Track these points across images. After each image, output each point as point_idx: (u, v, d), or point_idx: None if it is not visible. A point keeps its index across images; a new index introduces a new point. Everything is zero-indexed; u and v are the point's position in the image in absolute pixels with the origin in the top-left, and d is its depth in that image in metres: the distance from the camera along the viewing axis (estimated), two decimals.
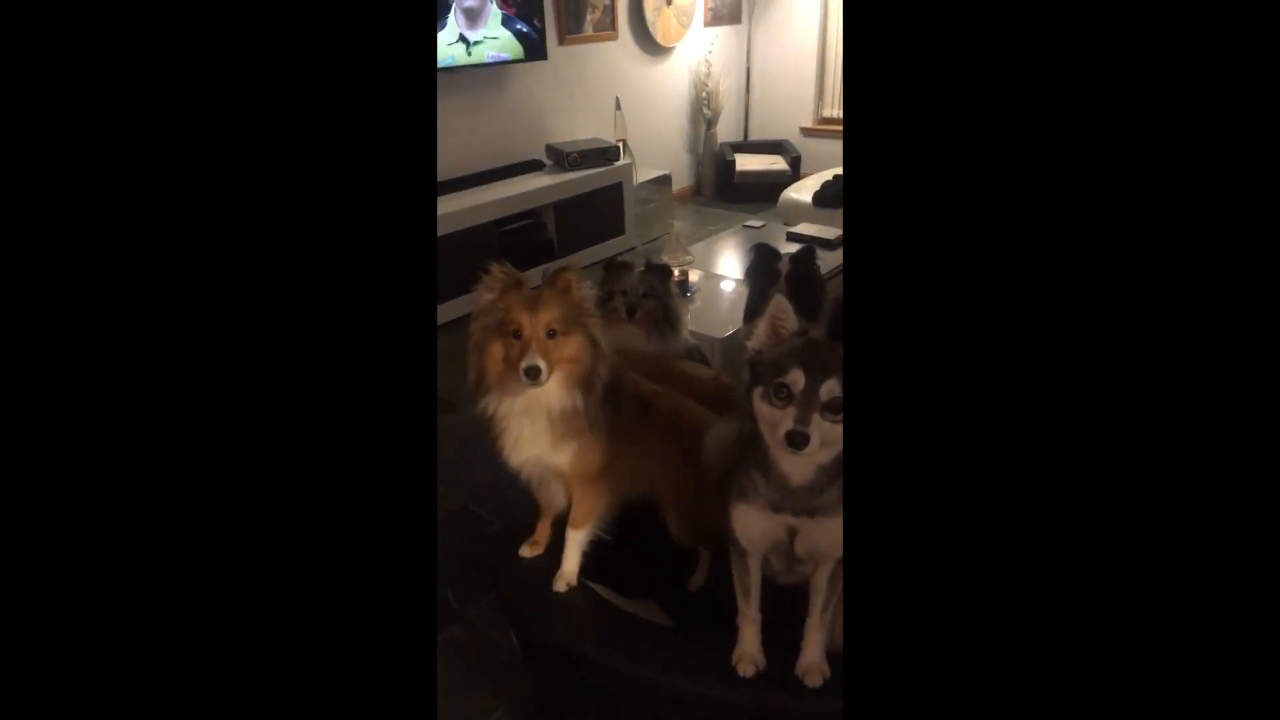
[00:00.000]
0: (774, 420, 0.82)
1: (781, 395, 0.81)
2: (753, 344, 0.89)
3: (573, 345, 1.07)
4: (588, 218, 4.02)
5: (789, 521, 0.90)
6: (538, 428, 1.10)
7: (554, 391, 1.07)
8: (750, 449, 0.90)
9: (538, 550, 1.24)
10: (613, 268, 1.66)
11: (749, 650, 0.97)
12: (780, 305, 0.87)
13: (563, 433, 1.10)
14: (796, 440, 0.78)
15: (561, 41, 4.13)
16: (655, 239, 4.35)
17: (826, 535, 0.89)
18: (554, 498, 1.23)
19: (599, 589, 1.20)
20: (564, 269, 1.08)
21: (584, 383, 1.08)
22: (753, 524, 0.92)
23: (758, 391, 0.84)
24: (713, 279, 2.88)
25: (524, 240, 3.67)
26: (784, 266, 1.84)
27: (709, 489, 1.27)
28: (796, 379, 0.80)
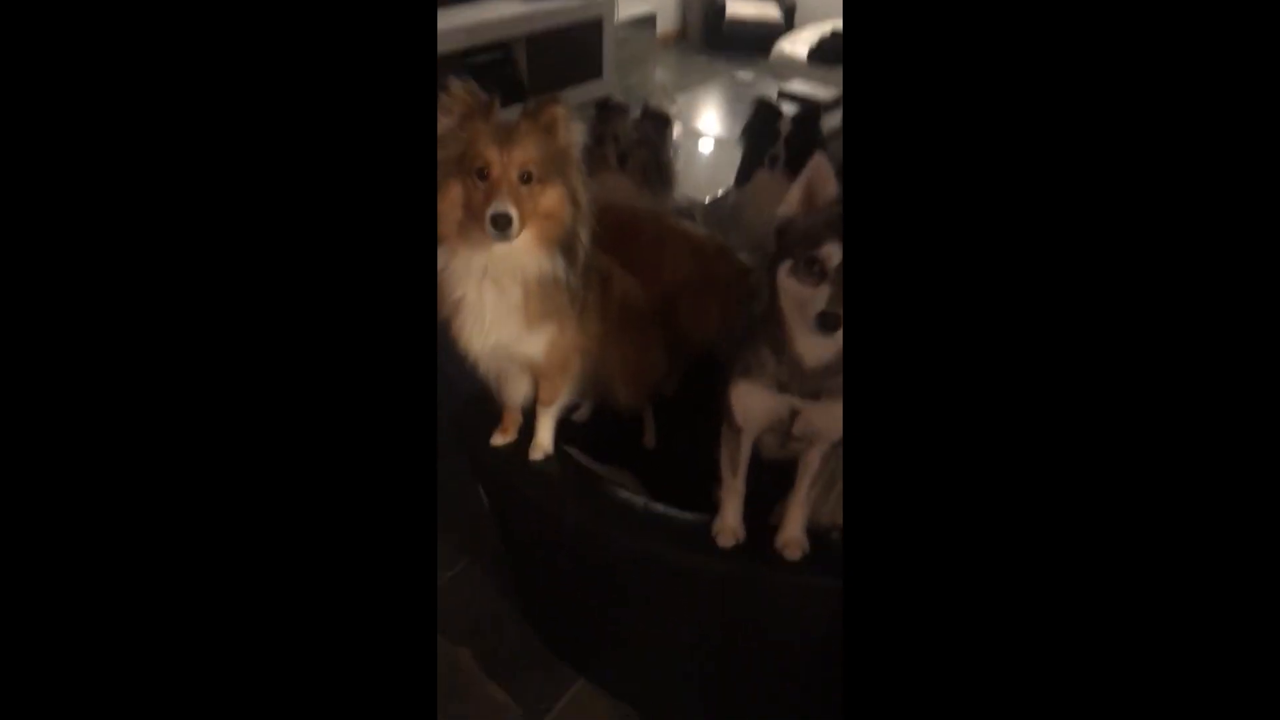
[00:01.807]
0: (803, 298, 0.74)
1: (813, 271, 0.73)
2: (784, 210, 0.80)
3: (552, 196, 0.88)
4: (563, 56, 3.69)
5: (793, 402, 0.86)
6: (508, 302, 0.92)
7: (528, 252, 0.89)
8: (765, 325, 0.83)
9: (509, 438, 1.13)
10: (606, 109, 1.53)
11: (730, 522, 0.97)
12: (821, 167, 0.77)
13: (539, 311, 0.94)
14: (828, 322, 0.71)
15: None
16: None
17: (827, 417, 0.86)
18: (518, 391, 1.09)
19: (572, 451, 1.17)
20: (552, 101, 0.88)
21: (564, 245, 0.91)
22: (755, 403, 0.88)
23: (785, 265, 0.76)
24: (694, 136, 2.70)
25: (491, 76, 3.36)
26: (784, 127, 1.71)
27: (651, 352, 1.25)
28: (831, 254, 0.72)
